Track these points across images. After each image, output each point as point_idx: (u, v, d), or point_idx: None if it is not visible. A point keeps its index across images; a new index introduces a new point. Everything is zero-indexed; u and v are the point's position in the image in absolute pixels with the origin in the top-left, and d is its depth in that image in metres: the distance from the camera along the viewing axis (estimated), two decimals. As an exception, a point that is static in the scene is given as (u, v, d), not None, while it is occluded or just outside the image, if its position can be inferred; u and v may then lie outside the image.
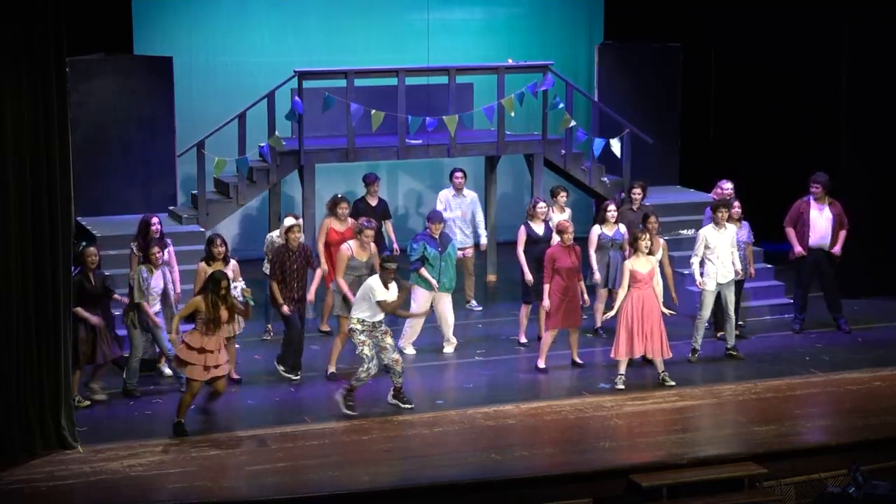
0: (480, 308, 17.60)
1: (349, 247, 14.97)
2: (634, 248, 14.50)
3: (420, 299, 15.48)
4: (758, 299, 16.91)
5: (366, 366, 13.60)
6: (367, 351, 13.62)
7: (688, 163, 19.94)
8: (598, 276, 15.96)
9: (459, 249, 17.17)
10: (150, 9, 18.89)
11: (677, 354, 15.02)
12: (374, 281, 13.71)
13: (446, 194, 17.43)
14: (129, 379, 14.13)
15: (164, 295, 14.30)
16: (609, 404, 14.08)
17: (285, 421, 13.50)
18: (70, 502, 11.79)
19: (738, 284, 16.07)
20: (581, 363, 15.18)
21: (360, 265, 14.94)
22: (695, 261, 15.50)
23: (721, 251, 15.39)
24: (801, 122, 20.00)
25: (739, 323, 16.26)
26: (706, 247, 15.42)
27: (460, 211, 17.32)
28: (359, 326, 13.63)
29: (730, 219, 15.77)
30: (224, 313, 13.17)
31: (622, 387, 14.45)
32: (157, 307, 14.25)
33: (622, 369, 14.52)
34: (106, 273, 14.38)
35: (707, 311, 15.50)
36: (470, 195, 17.52)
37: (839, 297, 16.76)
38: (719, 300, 15.60)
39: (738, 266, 15.49)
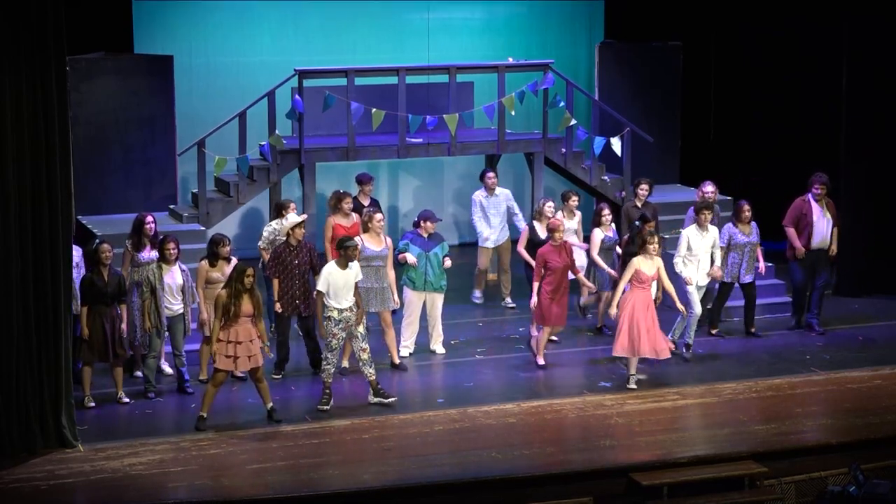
0: (514, 305, 17.55)
1: (360, 239, 14.93)
2: (643, 250, 14.48)
3: (410, 300, 15.47)
4: (758, 298, 16.87)
5: (326, 356, 13.65)
6: (334, 343, 13.66)
7: (688, 162, 19.94)
8: (612, 271, 15.89)
9: (493, 247, 17.23)
10: (151, 8, 18.90)
11: (674, 354, 15.05)
12: (328, 266, 13.77)
13: (479, 196, 17.45)
14: (150, 377, 14.15)
15: (184, 291, 14.26)
16: (609, 403, 14.09)
17: (285, 420, 13.49)
18: (70, 501, 11.79)
19: (752, 284, 16.12)
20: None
21: (375, 255, 14.89)
22: (678, 261, 15.52)
23: (701, 254, 15.43)
24: (801, 122, 20.01)
25: (752, 330, 16.33)
26: (687, 248, 15.45)
27: (495, 210, 17.36)
28: (335, 315, 13.63)
29: (742, 221, 15.84)
30: (247, 305, 13.19)
31: (634, 386, 14.44)
32: (178, 305, 14.23)
33: (633, 369, 14.50)
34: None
35: (698, 308, 15.50)
36: (503, 193, 17.58)
37: (824, 297, 16.79)
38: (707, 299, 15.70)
39: (717, 265, 15.51)
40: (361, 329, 13.74)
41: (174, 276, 14.19)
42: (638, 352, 14.40)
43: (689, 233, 15.54)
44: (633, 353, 14.43)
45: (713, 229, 15.65)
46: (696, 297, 15.50)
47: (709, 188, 16.51)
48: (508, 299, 17.66)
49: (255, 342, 13.25)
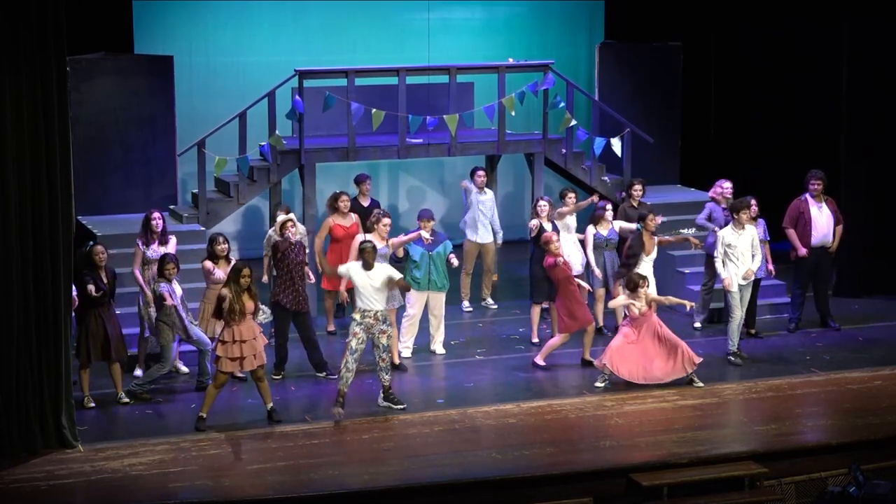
0: (496, 306, 17.58)
1: (364, 237, 14.85)
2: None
3: (413, 300, 15.47)
4: (759, 298, 16.88)
5: (346, 359, 13.55)
6: (353, 343, 13.58)
7: (688, 162, 19.94)
8: (598, 272, 15.93)
9: (479, 244, 17.23)
10: (151, 8, 18.92)
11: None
12: (353, 265, 13.76)
13: (472, 189, 17.44)
14: (143, 382, 14.13)
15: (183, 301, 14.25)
16: (609, 403, 14.09)
17: (285, 420, 13.49)
18: (70, 501, 11.79)
19: (755, 284, 16.06)
20: (592, 361, 15.15)
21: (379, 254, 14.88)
22: (717, 262, 15.39)
23: (741, 253, 15.29)
24: (801, 121, 20.02)
25: (752, 331, 16.31)
26: (727, 246, 15.31)
27: (484, 208, 17.38)
28: (357, 317, 13.61)
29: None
30: (247, 303, 13.21)
31: (600, 385, 14.44)
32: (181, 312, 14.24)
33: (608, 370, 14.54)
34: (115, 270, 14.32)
35: (738, 312, 15.38)
36: (490, 193, 17.57)
37: (828, 296, 16.80)
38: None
39: (755, 267, 15.41)
40: (385, 340, 13.68)
41: (175, 288, 14.20)
42: (633, 376, 14.44)
43: (725, 233, 15.38)
44: (618, 374, 14.44)
45: (750, 228, 15.55)
46: (736, 301, 15.39)
47: (726, 184, 16.49)
48: (490, 300, 17.69)
49: (258, 339, 13.27)
